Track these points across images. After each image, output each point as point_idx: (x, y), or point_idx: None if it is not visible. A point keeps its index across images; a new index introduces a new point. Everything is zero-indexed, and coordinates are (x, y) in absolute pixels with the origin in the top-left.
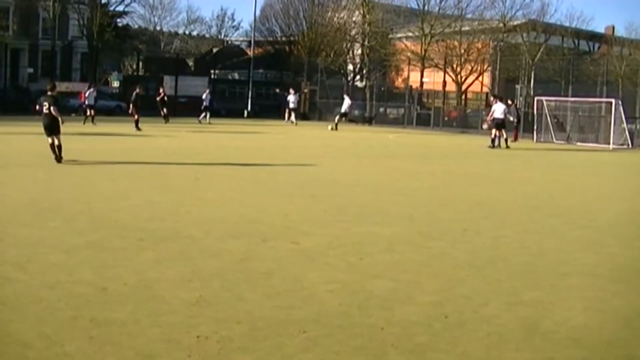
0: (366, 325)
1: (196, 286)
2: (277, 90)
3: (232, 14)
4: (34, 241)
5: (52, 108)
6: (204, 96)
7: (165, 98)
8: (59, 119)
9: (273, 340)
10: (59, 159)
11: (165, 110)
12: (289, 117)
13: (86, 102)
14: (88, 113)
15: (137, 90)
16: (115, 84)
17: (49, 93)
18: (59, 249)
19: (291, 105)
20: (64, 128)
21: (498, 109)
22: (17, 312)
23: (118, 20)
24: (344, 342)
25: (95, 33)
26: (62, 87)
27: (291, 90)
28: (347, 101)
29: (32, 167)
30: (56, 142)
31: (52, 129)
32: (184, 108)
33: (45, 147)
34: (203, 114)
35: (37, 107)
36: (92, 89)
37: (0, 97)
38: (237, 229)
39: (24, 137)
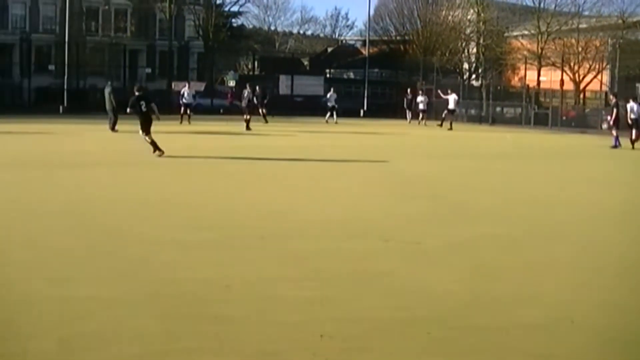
0: (490, 327)
1: (318, 285)
2: (408, 91)
3: (346, 14)
4: (153, 238)
5: (149, 106)
6: (328, 95)
7: (265, 99)
8: (153, 116)
9: (396, 341)
10: (159, 152)
11: (263, 110)
12: (422, 118)
13: (183, 101)
14: (183, 111)
15: (249, 89)
16: (231, 83)
17: (137, 93)
18: (179, 246)
19: (421, 107)
20: (177, 127)
21: (634, 108)
22: (138, 307)
23: (233, 20)
24: (468, 344)
25: (210, 33)
26: (179, 86)
27: (420, 91)
28: (453, 98)
29: (142, 165)
30: (148, 139)
31: (147, 126)
32: (300, 107)
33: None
34: (329, 114)
35: (129, 109)
36: (187, 88)
37: (121, 96)
38: (357, 229)
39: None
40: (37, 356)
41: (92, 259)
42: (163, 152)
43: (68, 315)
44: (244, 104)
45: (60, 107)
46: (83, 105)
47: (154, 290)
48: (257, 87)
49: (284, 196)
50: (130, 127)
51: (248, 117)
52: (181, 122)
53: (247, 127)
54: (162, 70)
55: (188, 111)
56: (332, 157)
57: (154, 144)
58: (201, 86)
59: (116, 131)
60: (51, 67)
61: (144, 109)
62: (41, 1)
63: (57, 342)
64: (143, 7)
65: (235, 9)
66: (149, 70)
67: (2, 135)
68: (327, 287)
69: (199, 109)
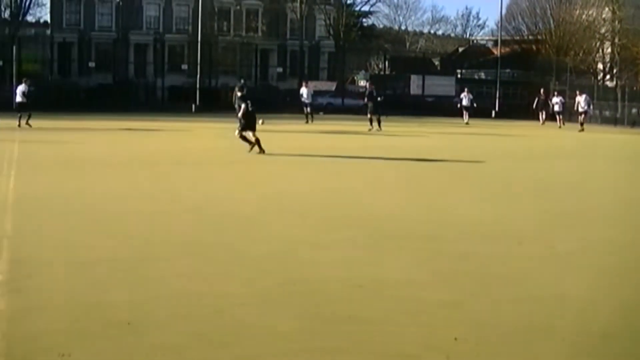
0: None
1: (452, 287)
2: (541, 91)
3: (477, 13)
4: (285, 236)
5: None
6: (462, 95)
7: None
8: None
9: (532, 347)
10: (258, 150)
11: (307, 109)
12: (559, 120)
13: (303, 100)
14: (306, 111)
15: (369, 88)
16: (362, 83)
17: (239, 94)
18: (311, 245)
19: (556, 108)
20: (303, 126)
21: None
22: (272, 305)
23: (363, 20)
24: (608, 354)
25: (341, 33)
26: (310, 86)
27: (554, 92)
28: (583, 98)
29: (267, 163)
30: (252, 137)
31: (251, 125)
32: (430, 107)
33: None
34: (466, 115)
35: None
36: (308, 87)
37: (251, 95)
38: (492, 231)
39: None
40: (171, 349)
41: (224, 257)
42: (263, 151)
43: (204, 310)
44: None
45: (193, 106)
46: (215, 104)
47: (287, 289)
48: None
49: (418, 198)
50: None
51: (372, 116)
52: (307, 122)
53: (375, 127)
54: (293, 69)
55: (308, 110)
56: (466, 158)
57: (258, 142)
58: (332, 86)
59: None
60: (184, 66)
61: (250, 108)
62: (174, 2)
63: (193, 336)
64: (274, 7)
65: (365, 8)
66: (280, 69)
67: (139, 132)
68: (462, 289)
69: (329, 109)
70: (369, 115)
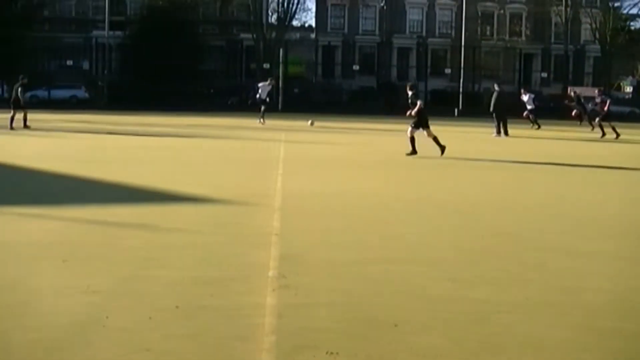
0: None
1: None
2: None
3: None
4: (544, 244)
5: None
6: None
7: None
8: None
9: None
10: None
11: (530, 116)
12: None
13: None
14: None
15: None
16: (628, 89)
17: (410, 93)
18: (570, 254)
19: None
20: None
21: None
22: (533, 314)
23: (631, 23)
24: None
25: (607, 37)
26: (571, 92)
27: None
28: None
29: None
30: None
31: (424, 122)
32: None
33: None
34: None
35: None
36: (528, 94)
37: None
38: None
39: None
40: (427, 350)
41: (486, 261)
42: (444, 148)
43: (466, 316)
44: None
45: (455, 110)
46: (478, 108)
47: (549, 298)
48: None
49: None
50: (520, 132)
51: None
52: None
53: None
54: (557, 74)
55: (530, 116)
56: None
57: (436, 140)
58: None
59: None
60: (447, 70)
61: (422, 106)
62: (438, 6)
63: (450, 340)
64: (538, 10)
65: (634, 11)
66: (544, 74)
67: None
68: None
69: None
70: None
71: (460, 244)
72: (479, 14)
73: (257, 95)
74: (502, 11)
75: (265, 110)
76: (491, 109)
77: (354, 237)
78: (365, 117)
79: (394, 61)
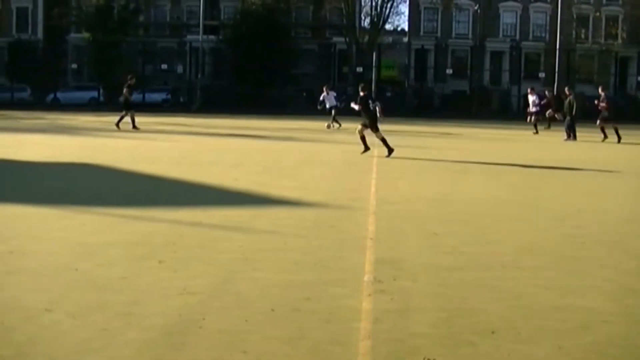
0: None
1: None
2: None
3: None
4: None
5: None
6: None
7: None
8: None
9: None
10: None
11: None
12: None
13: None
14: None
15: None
16: None
17: (361, 94)
18: None
19: None
20: None
21: None
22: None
23: None
24: None
25: None
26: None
27: None
28: None
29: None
30: (378, 136)
31: (374, 124)
32: None
33: None
34: None
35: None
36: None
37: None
38: None
39: None
40: (525, 359)
41: (588, 271)
42: (392, 151)
43: (568, 324)
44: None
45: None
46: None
47: None
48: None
49: None
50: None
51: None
52: None
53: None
54: None
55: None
56: None
57: (384, 141)
58: None
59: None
60: (541, 74)
61: (372, 107)
62: (532, 9)
63: (549, 349)
64: (635, 13)
65: None
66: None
67: (496, 141)
68: None
69: None
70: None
71: (563, 251)
72: (574, 16)
73: (324, 105)
74: (597, 14)
75: (335, 115)
76: (572, 113)
77: (452, 241)
78: (458, 121)
79: (487, 65)
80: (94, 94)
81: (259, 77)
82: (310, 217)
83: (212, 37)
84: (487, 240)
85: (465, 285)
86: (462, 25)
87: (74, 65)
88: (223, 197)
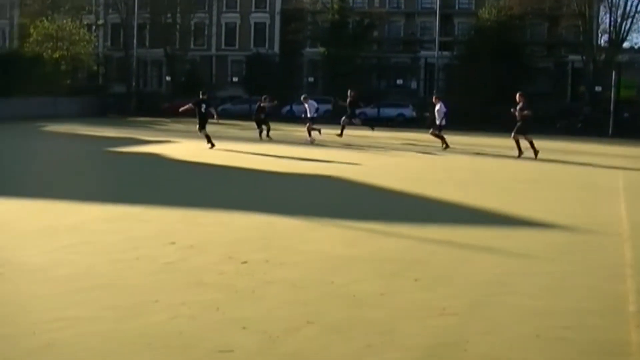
0: None
1: None
2: None
3: None
4: None
5: (207, 109)
6: None
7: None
8: None
9: None
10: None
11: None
12: None
13: None
14: None
15: None
16: None
17: (201, 97)
18: None
19: None
20: None
21: None
22: None
23: None
24: None
25: None
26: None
27: None
28: None
29: None
30: (202, 134)
31: (203, 124)
32: None
33: None
34: None
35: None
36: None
37: None
38: None
39: None
40: None
41: None
42: (212, 146)
43: None
44: None
45: None
46: None
47: None
48: None
49: None
50: None
51: None
52: None
53: None
54: None
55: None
56: None
57: (207, 137)
58: None
59: None
60: None
61: (203, 110)
62: None
63: None
64: None
65: None
66: None
67: None
68: None
69: None
70: None
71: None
72: None
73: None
74: None
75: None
76: None
77: None
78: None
79: None
80: (328, 107)
81: (493, 95)
82: (559, 240)
83: (446, 53)
84: None
85: None
86: None
87: (310, 79)
88: (470, 216)
